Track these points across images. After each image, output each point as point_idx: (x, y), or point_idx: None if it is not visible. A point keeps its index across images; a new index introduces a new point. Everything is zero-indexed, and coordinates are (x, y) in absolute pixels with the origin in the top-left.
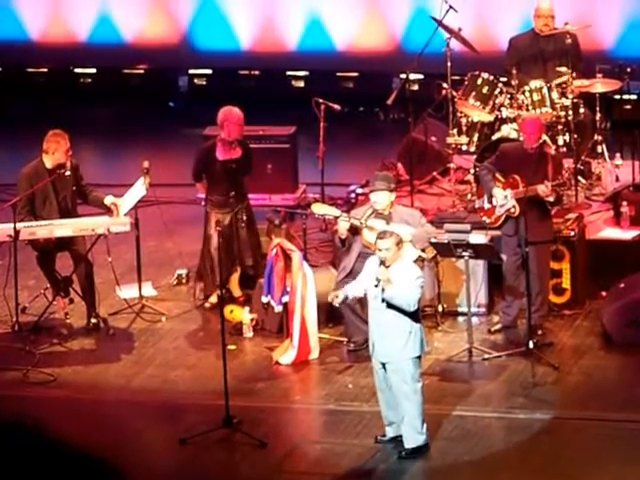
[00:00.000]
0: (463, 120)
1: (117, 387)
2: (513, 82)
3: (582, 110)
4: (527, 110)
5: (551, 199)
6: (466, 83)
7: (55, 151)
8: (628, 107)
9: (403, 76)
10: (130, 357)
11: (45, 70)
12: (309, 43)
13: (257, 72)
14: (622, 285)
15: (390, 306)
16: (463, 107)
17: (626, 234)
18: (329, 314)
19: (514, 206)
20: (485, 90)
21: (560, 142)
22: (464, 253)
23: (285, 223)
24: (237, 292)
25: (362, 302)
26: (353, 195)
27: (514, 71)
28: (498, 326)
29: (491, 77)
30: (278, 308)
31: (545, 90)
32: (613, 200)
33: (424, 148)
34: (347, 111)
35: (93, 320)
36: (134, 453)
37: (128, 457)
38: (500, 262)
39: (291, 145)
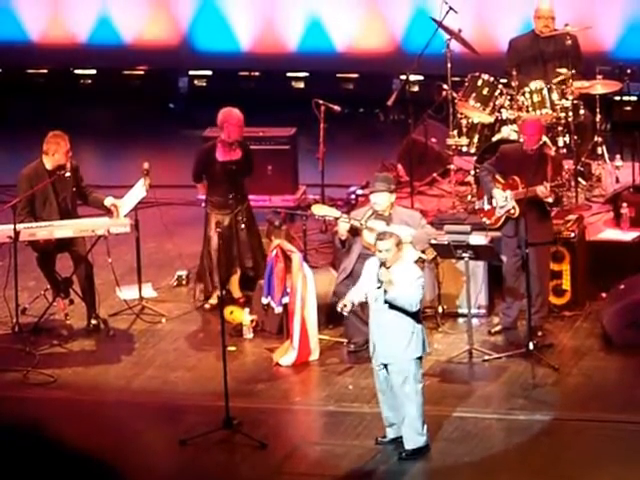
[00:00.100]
0: (463, 121)
1: (117, 388)
2: (513, 83)
3: (582, 111)
4: (527, 111)
5: (550, 200)
6: (466, 84)
7: (55, 152)
8: (628, 108)
9: (403, 77)
10: (130, 358)
11: (45, 71)
12: (309, 44)
13: (257, 73)
14: (622, 286)
15: (392, 307)
16: (463, 108)
17: (626, 235)
18: (329, 315)
19: (514, 207)
20: (485, 91)
21: (560, 143)
22: (464, 254)
23: (285, 224)
24: (237, 293)
25: (362, 303)
26: (353, 196)
27: (514, 72)
28: (498, 327)
29: (491, 78)
30: (278, 309)
31: (545, 91)
32: (613, 201)
33: (424, 149)
34: (347, 112)
35: (93, 321)
36: (134, 454)
37: (128, 458)
38: (500, 263)
39: (291, 146)
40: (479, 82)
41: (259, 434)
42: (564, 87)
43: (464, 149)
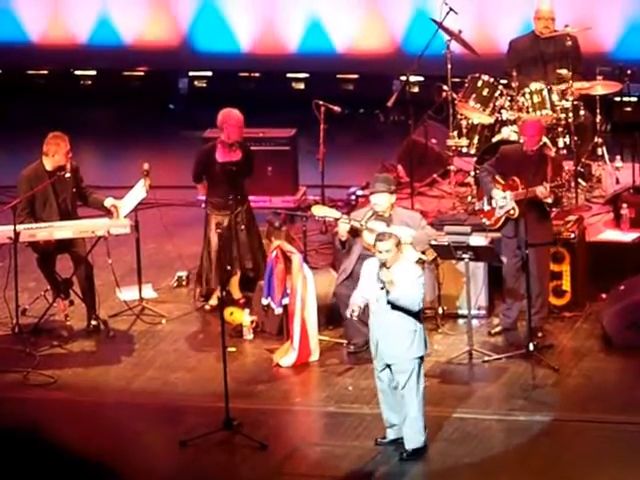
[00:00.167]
0: (463, 122)
1: (117, 389)
2: (513, 84)
3: (582, 112)
4: (527, 112)
5: (549, 200)
6: (466, 85)
7: (55, 153)
8: (628, 109)
9: (403, 78)
10: (130, 359)
11: (45, 72)
12: (309, 45)
13: (257, 74)
14: (622, 287)
15: (394, 307)
16: (463, 109)
17: (626, 236)
18: (329, 316)
19: (514, 208)
20: (485, 92)
21: (560, 144)
22: (464, 255)
23: (285, 225)
24: (237, 294)
25: None
26: (353, 197)
27: (514, 73)
28: (498, 328)
29: (491, 79)
30: (278, 310)
31: (545, 92)
32: (613, 202)
33: (424, 150)
34: (347, 113)
35: (93, 322)
36: (134, 455)
37: (128, 459)
38: (500, 264)
39: (291, 147)
40: (479, 83)
41: (259, 435)
42: (564, 88)
43: (464, 150)
